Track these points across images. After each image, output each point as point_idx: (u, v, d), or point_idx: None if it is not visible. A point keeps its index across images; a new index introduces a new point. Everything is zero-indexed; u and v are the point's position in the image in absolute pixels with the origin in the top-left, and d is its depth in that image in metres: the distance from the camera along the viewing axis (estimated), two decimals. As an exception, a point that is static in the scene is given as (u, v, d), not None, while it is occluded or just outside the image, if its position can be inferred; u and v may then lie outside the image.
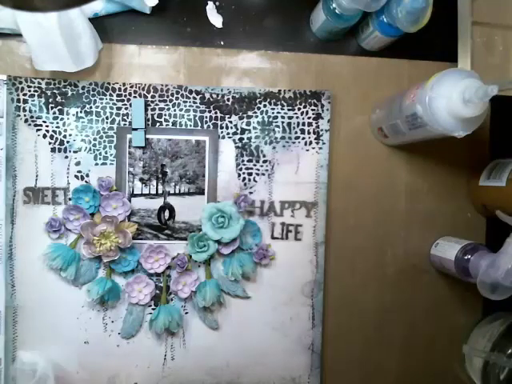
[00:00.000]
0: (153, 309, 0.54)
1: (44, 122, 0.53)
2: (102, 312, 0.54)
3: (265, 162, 0.55)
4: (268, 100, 0.55)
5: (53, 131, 0.53)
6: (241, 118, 0.55)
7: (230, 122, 0.55)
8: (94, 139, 0.53)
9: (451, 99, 0.42)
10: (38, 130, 0.53)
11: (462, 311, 0.59)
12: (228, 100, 0.55)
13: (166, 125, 0.54)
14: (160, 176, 0.54)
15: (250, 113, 0.55)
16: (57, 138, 0.53)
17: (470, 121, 0.43)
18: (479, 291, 0.47)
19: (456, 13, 0.53)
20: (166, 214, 0.54)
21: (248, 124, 0.55)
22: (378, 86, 0.57)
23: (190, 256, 0.54)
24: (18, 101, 0.52)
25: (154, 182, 0.54)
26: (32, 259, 0.53)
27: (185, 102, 0.54)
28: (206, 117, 0.55)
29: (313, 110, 0.56)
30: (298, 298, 0.56)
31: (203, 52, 0.55)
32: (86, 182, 0.53)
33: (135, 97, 0.54)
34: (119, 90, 0.54)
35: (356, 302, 0.58)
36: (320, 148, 0.56)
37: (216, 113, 0.55)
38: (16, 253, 0.53)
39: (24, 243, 0.53)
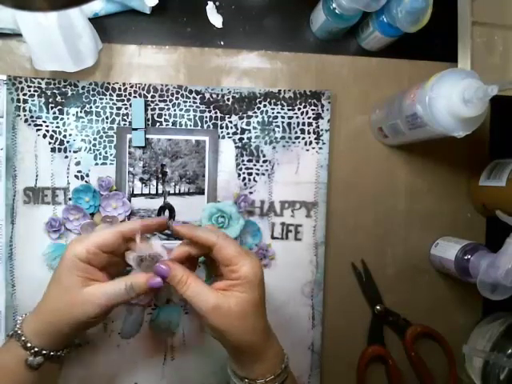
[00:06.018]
0: (153, 309, 0.54)
1: (44, 121, 0.53)
2: (102, 312, 0.54)
3: (265, 161, 0.55)
4: (268, 100, 0.55)
5: (53, 131, 0.53)
6: (241, 118, 0.55)
7: (230, 121, 0.55)
8: (94, 139, 0.53)
9: (451, 99, 0.42)
10: (37, 129, 0.53)
11: (461, 311, 0.59)
12: (228, 100, 0.55)
13: (166, 125, 0.54)
14: (160, 176, 0.54)
15: (250, 113, 0.55)
16: (57, 138, 0.53)
17: (469, 121, 0.43)
18: (479, 291, 0.47)
19: (456, 13, 0.53)
20: (166, 213, 0.54)
21: (248, 124, 0.55)
22: (378, 86, 0.57)
23: (190, 256, 0.54)
24: (18, 101, 0.52)
25: (154, 182, 0.54)
26: (32, 259, 0.53)
27: (185, 101, 0.54)
28: (206, 117, 0.55)
29: (313, 110, 0.56)
30: (298, 298, 0.56)
31: (203, 52, 0.55)
32: (85, 181, 0.53)
33: (135, 97, 0.54)
34: (119, 90, 0.54)
35: (356, 302, 0.58)
36: (320, 148, 0.56)
37: (216, 113, 0.55)
38: (16, 253, 0.52)
39: (24, 243, 0.53)
